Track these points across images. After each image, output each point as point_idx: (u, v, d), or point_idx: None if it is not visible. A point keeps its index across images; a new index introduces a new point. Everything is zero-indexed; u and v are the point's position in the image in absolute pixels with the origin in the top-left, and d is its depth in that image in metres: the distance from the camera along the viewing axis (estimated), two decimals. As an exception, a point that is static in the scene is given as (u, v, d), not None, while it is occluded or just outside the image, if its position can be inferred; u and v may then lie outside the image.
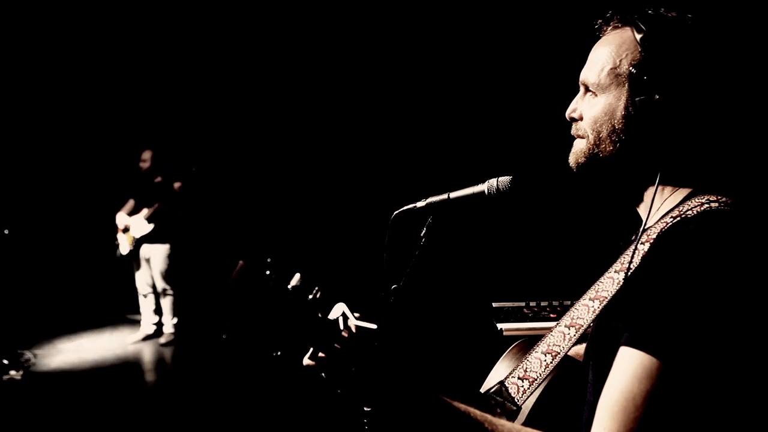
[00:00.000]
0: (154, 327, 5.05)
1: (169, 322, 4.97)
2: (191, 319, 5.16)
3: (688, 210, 0.98)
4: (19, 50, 5.47)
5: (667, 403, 0.83)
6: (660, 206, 1.05)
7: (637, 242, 1.01)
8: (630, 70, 1.01)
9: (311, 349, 0.92)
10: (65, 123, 5.83)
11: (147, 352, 4.82)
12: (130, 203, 4.91)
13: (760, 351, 0.87)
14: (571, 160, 1.09)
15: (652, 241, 0.97)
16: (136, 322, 5.23)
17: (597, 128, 1.05)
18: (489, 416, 0.95)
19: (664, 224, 0.98)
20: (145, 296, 4.98)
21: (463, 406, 0.94)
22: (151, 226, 4.72)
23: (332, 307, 0.99)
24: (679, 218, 0.97)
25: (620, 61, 1.03)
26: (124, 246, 4.83)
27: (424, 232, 1.22)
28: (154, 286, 4.94)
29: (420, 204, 1.24)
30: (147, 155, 4.80)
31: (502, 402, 1.14)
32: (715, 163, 1.05)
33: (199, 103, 5.66)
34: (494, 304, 2.04)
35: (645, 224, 1.04)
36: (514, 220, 3.89)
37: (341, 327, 0.94)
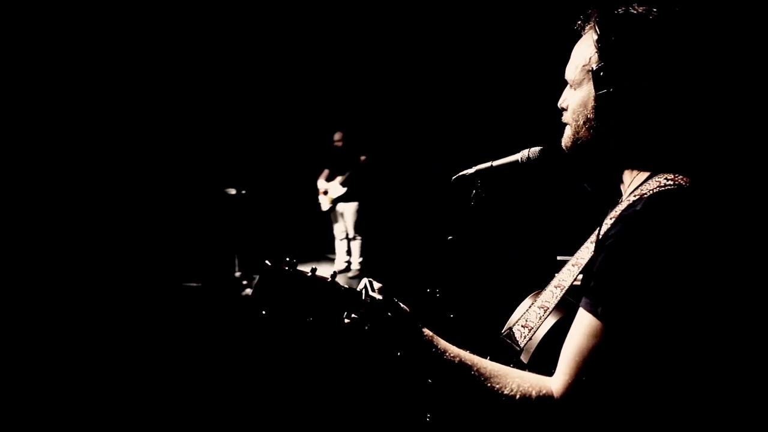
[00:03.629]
0: (345, 264, 6.73)
1: (356, 261, 6.61)
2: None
3: (645, 190, 1.06)
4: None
5: (607, 358, 0.95)
6: (629, 185, 1.14)
7: (606, 217, 1.11)
8: (591, 67, 1.11)
9: (345, 313, 1.11)
10: (297, 114, 7.57)
11: (340, 283, 6.49)
12: (326, 172, 6.54)
13: (696, 318, 0.97)
14: (562, 143, 1.21)
15: (615, 217, 1.07)
16: (332, 260, 6.97)
17: (575, 118, 1.15)
18: (476, 358, 1.07)
19: (627, 202, 1.08)
20: (340, 241, 6.67)
21: (451, 347, 1.08)
22: (344, 189, 6.33)
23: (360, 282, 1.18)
24: (636, 197, 1.06)
25: (589, 58, 1.12)
26: (325, 204, 6.50)
27: (474, 193, 1.39)
28: (346, 234, 6.59)
29: (470, 171, 1.41)
30: (338, 136, 6.37)
31: (509, 344, 1.24)
32: (677, 147, 1.10)
33: (380, 96, 7.11)
34: (558, 258, 2.02)
35: (619, 201, 1.15)
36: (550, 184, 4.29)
37: (363, 296, 1.13)
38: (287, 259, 1.10)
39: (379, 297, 1.12)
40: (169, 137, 7.41)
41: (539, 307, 1.22)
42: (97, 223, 7.35)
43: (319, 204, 6.55)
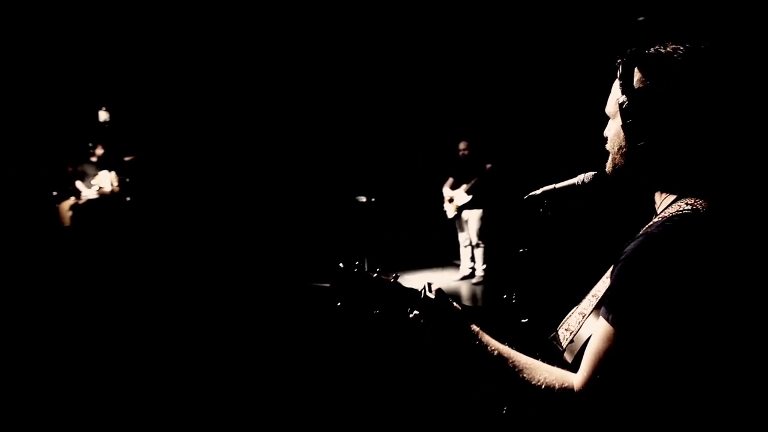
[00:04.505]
0: (470, 270, 6.85)
1: (480, 268, 6.71)
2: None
3: (667, 213, 1.19)
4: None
5: (618, 360, 1.09)
6: (658, 208, 1.26)
7: (635, 238, 1.20)
8: (619, 102, 1.25)
9: (409, 309, 1.30)
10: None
11: (464, 289, 6.63)
12: (451, 180, 6.71)
13: (694, 329, 1.08)
14: (606, 169, 1.35)
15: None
16: (458, 266, 7.13)
17: (612, 146, 1.30)
18: (513, 352, 1.24)
19: (650, 223, 1.20)
20: (464, 248, 6.81)
21: (493, 341, 1.25)
22: (469, 197, 6.46)
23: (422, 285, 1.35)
24: (657, 219, 1.20)
25: (620, 93, 1.26)
26: (450, 212, 6.68)
27: (541, 211, 1.55)
28: (470, 241, 6.72)
29: (537, 192, 1.55)
30: (464, 145, 6.52)
31: (555, 346, 1.37)
32: (698, 174, 1.20)
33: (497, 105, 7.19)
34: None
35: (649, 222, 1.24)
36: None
37: (422, 295, 1.31)
38: (356, 263, 1.33)
39: (433, 296, 1.31)
40: (314, 150, 8.02)
41: (579, 314, 1.36)
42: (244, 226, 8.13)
43: (444, 211, 6.74)
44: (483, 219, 6.50)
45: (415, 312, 1.29)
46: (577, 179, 1.50)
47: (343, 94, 8.16)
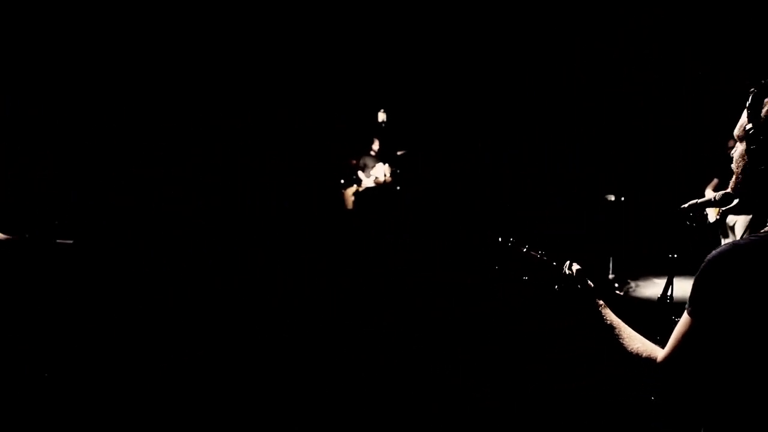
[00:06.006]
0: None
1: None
2: None
3: (763, 231, 1.41)
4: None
5: (693, 344, 1.35)
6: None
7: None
8: (746, 127, 1.42)
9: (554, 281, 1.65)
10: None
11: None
12: (715, 181, 6.03)
13: (760, 329, 1.28)
14: (729, 187, 1.55)
15: None
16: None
17: (737, 166, 1.47)
18: (623, 325, 1.53)
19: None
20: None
21: (610, 314, 1.55)
22: (736, 200, 5.74)
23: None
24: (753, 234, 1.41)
25: (747, 121, 1.43)
26: (712, 215, 6.03)
27: (688, 222, 1.87)
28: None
29: (684, 205, 1.85)
30: (733, 142, 5.81)
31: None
32: None
33: None
34: None
35: None
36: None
37: (564, 270, 1.62)
38: (510, 239, 1.70)
39: (571, 273, 1.64)
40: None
41: None
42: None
43: (702, 215, 6.11)
44: (751, 226, 5.72)
45: (556, 284, 1.65)
46: (712, 196, 1.74)
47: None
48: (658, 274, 6.73)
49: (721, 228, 6.16)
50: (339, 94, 9.29)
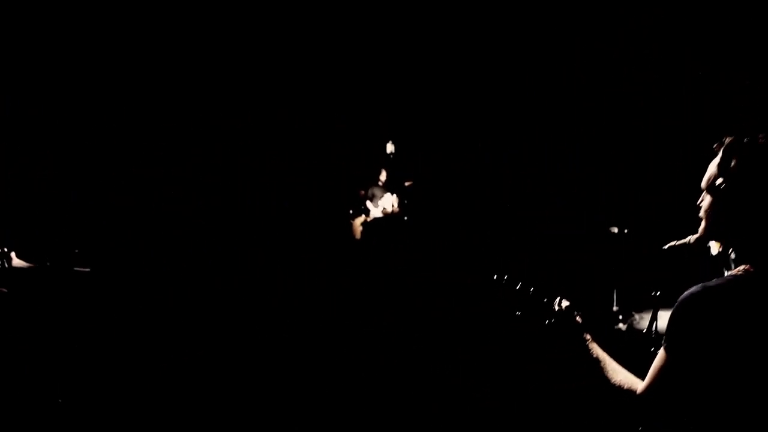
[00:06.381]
0: None
1: None
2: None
3: (729, 273, 1.61)
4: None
5: (668, 377, 1.52)
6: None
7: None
8: (717, 183, 1.62)
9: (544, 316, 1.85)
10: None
11: None
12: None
13: (729, 364, 1.44)
14: (698, 233, 1.76)
15: None
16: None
17: (705, 216, 1.70)
18: (608, 358, 1.75)
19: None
20: None
21: (597, 348, 1.76)
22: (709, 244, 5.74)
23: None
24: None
25: (715, 173, 1.64)
26: (714, 249, 6.00)
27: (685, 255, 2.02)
28: None
29: (665, 246, 2.03)
30: None
31: None
32: (758, 245, 1.56)
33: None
34: None
35: None
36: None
37: (554, 307, 1.84)
38: (504, 276, 1.86)
39: (561, 309, 1.84)
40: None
41: None
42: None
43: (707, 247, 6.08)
44: None
45: (546, 318, 1.84)
46: (688, 239, 1.94)
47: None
48: (664, 306, 6.63)
49: (724, 260, 6.01)
50: (339, 94, 9.28)
